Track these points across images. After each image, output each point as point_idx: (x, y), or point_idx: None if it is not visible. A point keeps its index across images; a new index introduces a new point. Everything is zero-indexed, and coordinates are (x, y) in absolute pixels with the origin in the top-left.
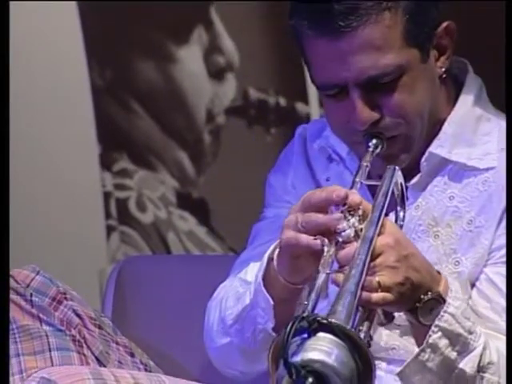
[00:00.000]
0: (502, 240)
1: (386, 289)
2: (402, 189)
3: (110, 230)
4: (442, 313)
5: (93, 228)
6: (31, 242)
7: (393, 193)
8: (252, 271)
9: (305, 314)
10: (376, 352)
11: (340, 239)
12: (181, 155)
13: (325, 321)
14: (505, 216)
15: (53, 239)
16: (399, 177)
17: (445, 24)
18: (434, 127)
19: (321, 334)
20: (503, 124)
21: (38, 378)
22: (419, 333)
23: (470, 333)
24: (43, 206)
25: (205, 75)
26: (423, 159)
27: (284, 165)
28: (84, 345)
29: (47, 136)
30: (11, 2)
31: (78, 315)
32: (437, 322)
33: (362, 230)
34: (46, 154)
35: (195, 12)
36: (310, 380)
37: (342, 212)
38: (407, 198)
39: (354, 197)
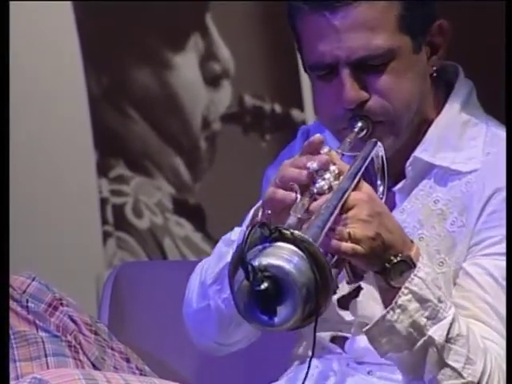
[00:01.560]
0: (481, 235)
1: (357, 241)
2: (383, 163)
3: (106, 235)
4: (412, 276)
5: (89, 234)
6: (28, 247)
7: (374, 166)
8: (236, 232)
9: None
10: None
11: (314, 190)
12: (177, 161)
13: (287, 231)
14: (484, 213)
15: (50, 245)
16: (381, 151)
17: (439, 22)
18: (420, 130)
19: (282, 243)
20: (492, 129)
21: (29, 378)
22: (388, 297)
23: (440, 301)
24: (40, 211)
25: (201, 82)
26: (408, 163)
27: (284, 160)
28: (80, 350)
29: (44, 142)
30: None
31: (74, 321)
32: (407, 285)
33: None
34: (43, 160)
35: (191, 19)
36: (266, 284)
37: (318, 170)
38: (388, 175)
39: (330, 152)
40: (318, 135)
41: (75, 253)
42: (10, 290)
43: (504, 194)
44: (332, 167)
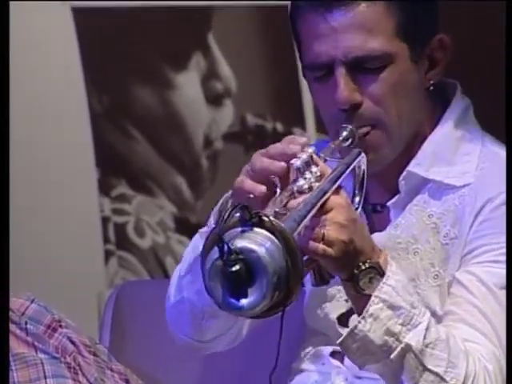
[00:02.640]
0: (473, 244)
1: (329, 243)
2: (364, 175)
3: (108, 254)
4: (381, 284)
5: (91, 252)
6: (29, 266)
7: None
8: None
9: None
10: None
11: (295, 188)
12: (179, 180)
13: (267, 218)
14: (475, 223)
15: (51, 264)
16: (363, 162)
17: (439, 36)
18: (414, 145)
19: (260, 229)
20: (487, 145)
21: None
22: (360, 306)
23: (413, 307)
24: (41, 230)
25: (202, 101)
26: (401, 178)
27: None
28: (79, 372)
29: (45, 160)
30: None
31: (73, 342)
32: (376, 293)
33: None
34: (45, 179)
35: (193, 38)
36: (238, 267)
37: (299, 168)
38: (365, 189)
39: (311, 150)
40: (303, 138)
41: (77, 271)
42: (9, 312)
43: (496, 202)
44: (314, 168)
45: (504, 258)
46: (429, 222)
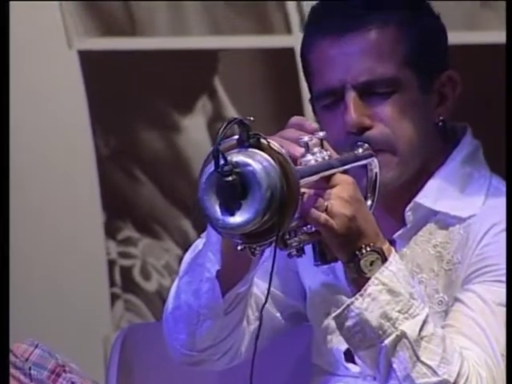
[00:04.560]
0: (475, 266)
1: (332, 215)
2: (376, 179)
3: (114, 298)
4: (383, 268)
5: (97, 296)
6: (35, 309)
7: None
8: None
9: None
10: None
11: (302, 162)
12: (185, 223)
13: (265, 141)
14: (479, 246)
15: (57, 307)
16: (375, 166)
17: (449, 72)
18: (421, 179)
19: (257, 150)
20: (494, 184)
21: None
22: (359, 288)
23: (413, 298)
24: (48, 273)
25: (209, 144)
26: (408, 208)
27: None
28: None
29: (52, 204)
30: (13, 72)
31: None
32: (377, 275)
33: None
34: (51, 222)
35: (199, 81)
36: (232, 178)
37: (307, 145)
38: (378, 190)
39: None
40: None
41: (83, 315)
42: (13, 358)
43: (500, 227)
44: (324, 152)
45: (504, 278)
46: (433, 252)
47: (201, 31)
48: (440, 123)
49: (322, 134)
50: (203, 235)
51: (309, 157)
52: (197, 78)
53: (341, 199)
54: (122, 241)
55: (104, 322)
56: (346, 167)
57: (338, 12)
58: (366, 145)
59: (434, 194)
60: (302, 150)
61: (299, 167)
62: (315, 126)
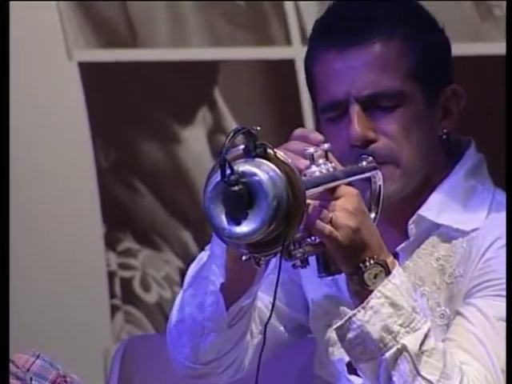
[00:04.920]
0: (477, 280)
1: (337, 226)
2: (380, 191)
3: (114, 309)
4: (386, 281)
5: (97, 307)
6: (35, 320)
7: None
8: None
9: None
10: None
11: (306, 173)
12: (185, 235)
13: (271, 151)
14: (482, 260)
15: (57, 318)
16: (379, 179)
17: (453, 86)
18: (423, 192)
19: (264, 160)
20: (497, 198)
21: None
22: (361, 300)
23: (415, 312)
24: (48, 284)
25: (209, 155)
26: (411, 221)
27: None
28: None
29: (52, 216)
30: (13, 84)
31: None
32: (380, 288)
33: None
34: (51, 234)
35: (199, 93)
36: (238, 187)
37: (312, 156)
38: (382, 203)
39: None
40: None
41: (83, 327)
42: (14, 368)
43: (504, 241)
44: (328, 164)
45: (505, 292)
46: (436, 265)
47: (201, 43)
48: (444, 136)
49: (326, 145)
50: (207, 248)
51: (314, 168)
52: (197, 89)
53: (345, 211)
54: (122, 252)
55: (104, 333)
56: (350, 179)
57: (343, 25)
58: (370, 158)
59: (437, 207)
60: (307, 162)
61: (305, 178)
62: (320, 137)
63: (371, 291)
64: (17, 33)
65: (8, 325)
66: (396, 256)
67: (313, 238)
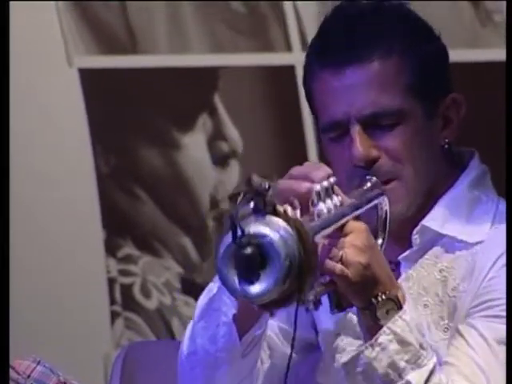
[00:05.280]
0: (480, 299)
1: (347, 264)
2: (386, 217)
3: (114, 315)
4: (396, 317)
5: (97, 314)
6: (36, 326)
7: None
8: None
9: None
10: None
11: (315, 211)
12: (185, 241)
13: (281, 208)
14: (486, 279)
15: (57, 325)
16: (385, 204)
17: (452, 95)
18: (428, 204)
19: (273, 217)
20: (501, 208)
21: None
22: (371, 335)
23: (422, 348)
24: (48, 290)
25: (209, 162)
26: (415, 231)
27: None
28: None
29: (52, 221)
30: (13, 90)
31: None
32: (389, 325)
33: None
34: (51, 240)
35: (200, 99)
36: (250, 250)
37: (319, 194)
38: (388, 228)
39: (334, 179)
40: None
41: (83, 333)
42: (15, 374)
43: (504, 259)
44: (335, 198)
45: (504, 313)
46: (439, 276)
47: (201, 49)
48: (446, 146)
49: (332, 180)
50: (215, 279)
51: (321, 205)
52: (197, 95)
53: (355, 247)
54: (122, 258)
55: (104, 339)
56: (358, 212)
57: (340, 43)
58: (374, 178)
59: (442, 218)
60: (314, 210)
61: (313, 224)
62: (322, 173)
63: (381, 326)
64: (17, 39)
65: (8, 330)
66: (398, 265)
67: (323, 277)
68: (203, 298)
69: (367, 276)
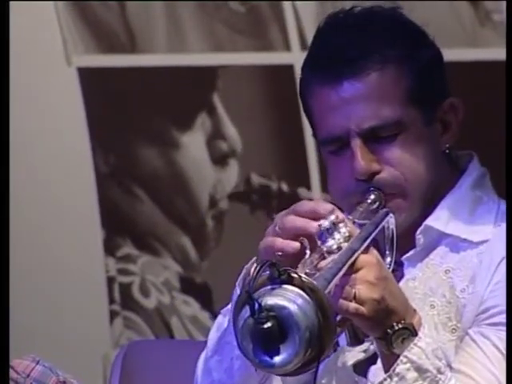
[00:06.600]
0: (488, 304)
1: (361, 302)
2: (393, 235)
3: (113, 315)
4: (412, 345)
5: (96, 313)
6: (34, 326)
7: (384, 237)
8: None
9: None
10: None
11: (324, 248)
12: (184, 240)
13: (296, 275)
14: (492, 282)
15: (56, 324)
16: (392, 222)
17: (450, 99)
18: (430, 205)
19: (289, 286)
20: (503, 208)
21: None
22: (389, 364)
23: (440, 372)
24: (47, 290)
25: (208, 161)
26: (418, 231)
27: None
28: None
29: (51, 221)
30: (12, 89)
31: None
32: (405, 353)
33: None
34: (50, 239)
35: (198, 98)
36: (269, 324)
37: (328, 228)
38: (397, 246)
39: (340, 213)
40: (329, 204)
41: (82, 332)
42: (14, 374)
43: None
44: (343, 229)
45: (505, 320)
46: (445, 278)
47: (200, 48)
48: (447, 150)
49: (341, 216)
50: (223, 311)
51: (330, 241)
52: (196, 94)
53: (367, 283)
54: (121, 258)
55: (103, 339)
56: (367, 243)
57: (336, 56)
58: (377, 191)
59: (445, 217)
60: (324, 248)
61: (325, 273)
62: (329, 207)
63: (398, 355)
64: (16, 38)
65: (8, 330)
66: (400, 265)
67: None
68: (214, 333)
69: (382, 309)
